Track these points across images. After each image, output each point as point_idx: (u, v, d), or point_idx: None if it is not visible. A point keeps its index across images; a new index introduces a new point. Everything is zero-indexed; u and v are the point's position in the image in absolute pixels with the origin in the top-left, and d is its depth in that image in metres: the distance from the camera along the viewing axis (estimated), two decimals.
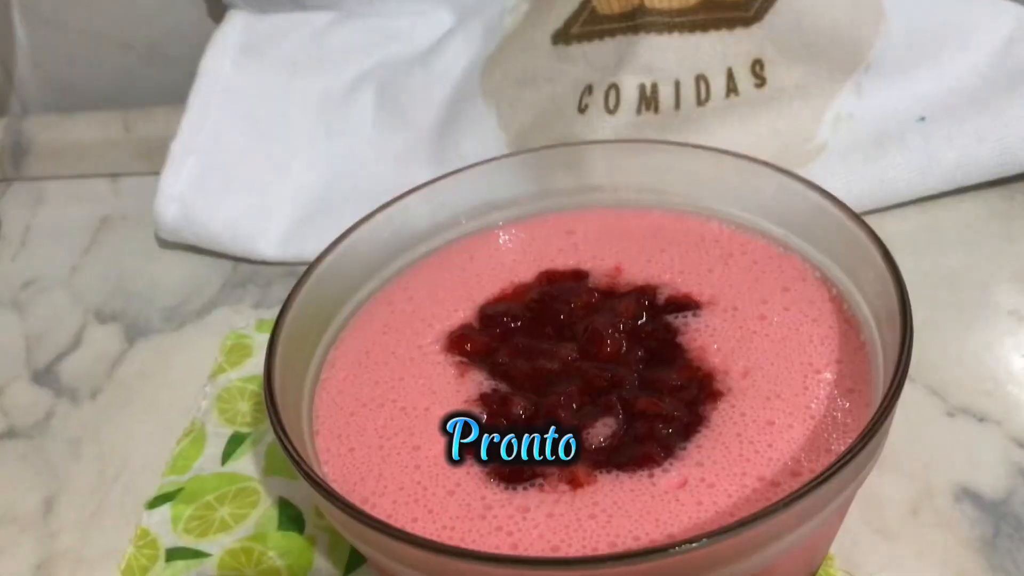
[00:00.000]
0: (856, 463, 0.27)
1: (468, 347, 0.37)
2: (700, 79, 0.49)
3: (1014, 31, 0.51)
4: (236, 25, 0.59)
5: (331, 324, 0.38)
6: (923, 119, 0.50)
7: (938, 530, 0.36)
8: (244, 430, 0.45)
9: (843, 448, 0.31)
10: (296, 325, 0.35)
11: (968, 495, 0.37)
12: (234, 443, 0.44)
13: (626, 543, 0.29)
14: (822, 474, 0.26)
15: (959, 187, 0.50)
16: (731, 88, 0.49)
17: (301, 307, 0.36)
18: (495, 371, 0.35)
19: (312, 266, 0.37)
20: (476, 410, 0.34)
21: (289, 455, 0.30)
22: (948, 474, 0.37)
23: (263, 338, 0.50)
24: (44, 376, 0.50)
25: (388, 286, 0.41)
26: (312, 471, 0.29)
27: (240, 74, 0.57)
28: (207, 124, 0.56)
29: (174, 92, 0.63)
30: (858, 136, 0.50)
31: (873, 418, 0.28)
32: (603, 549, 0.29)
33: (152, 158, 0.63)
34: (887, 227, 0.49)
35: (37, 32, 0.66)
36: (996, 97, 0.49)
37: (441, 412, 0.34)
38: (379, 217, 0.40)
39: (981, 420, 0.39)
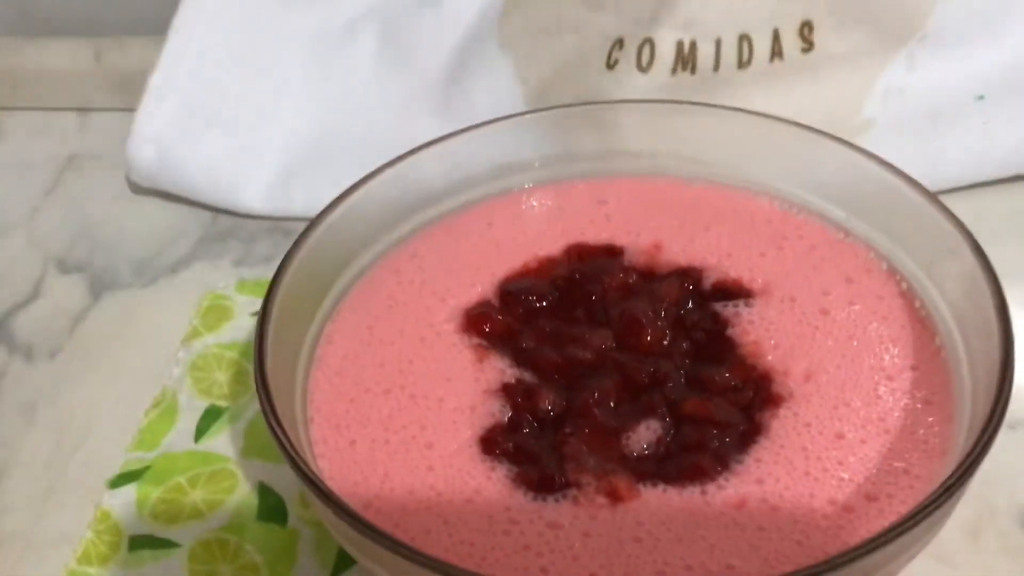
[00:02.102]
0: (957, 494, 0.23)
1: (487, 328, 0.32)
2: (744, 39, 0.44)
3: None
4: None
5: (329, 293, 0.34)
6: (982, 97, 0.45)
7: (1002, 557, 0.32)
8: (221, 404, 0.40)
9: (924, 470, 0.27)
10: (291, 292, 0.31)
11: None
12: (209, 418, 0.40)
13: (677, 573, 0.25)
14: (921, 507, 0.22)
15: (1015, 175, 0.46)
16: (776, 51, 0.45)
17: (298, 271, 0.31)
18: (519, 358, 0.31)
19: (312, 225, 0.33)
20: (498, 403, 0.29)
21: (284, 450, 0.25)
22: (1011, 494, 0.34)
23: (244, 300, 0.45)
24: None
25: (394, 252, 0.36)
26: (313, 473, 0.25)
27: (228, 3, 0.52)
28: (189, 57, 0.50)
29: (152, 21, 0.57)
30: (909, 112, 0.46)
31: (977, 441, 0.24)
32: None
33: (125, 93, 0.57)
34: None
35: None
36: None
37: (457, 403, 0.30)
38: (388, 173, 0.35)
39: None
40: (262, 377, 0.27)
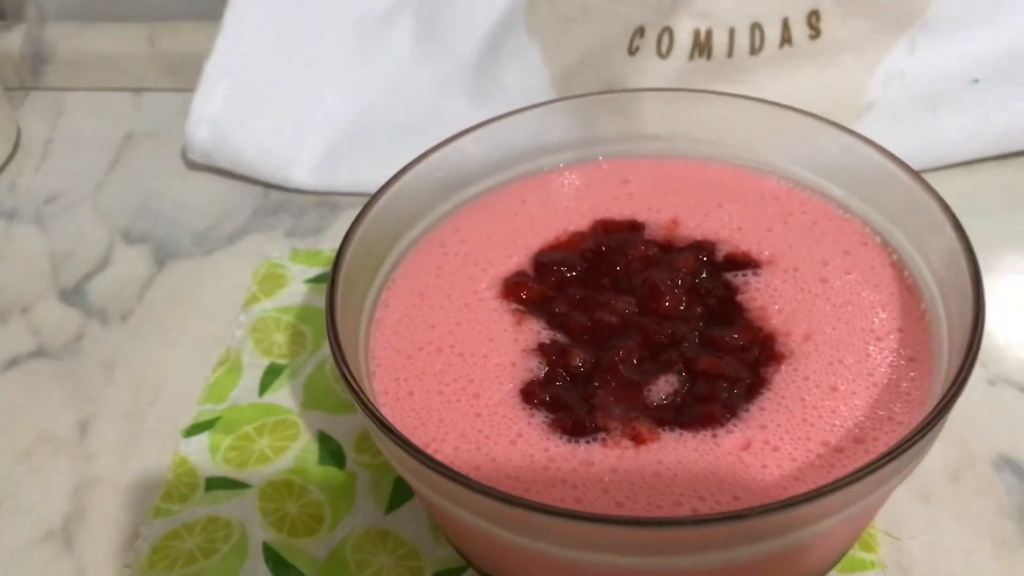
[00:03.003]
0: (928, 436, 0.27)
1: (524, 295, 0.36)
2: (755, 27, 0.48)
3: None
4: None
5: (384, 263, 0.38)
6: (977, 81, 0.49)
7: (978, 496, 0.36)
8: (281, 362, 0.44)
9: (906, 417, 0.31)
10: (353, 263, 0.35)
11: (1008, 464, 0.37)
12: (271, 374, 0.44)
13: (691, 502, 0.29)
14: (898, 446, 0.27)
15: (1007, 152, 0.49)
16: (785, 38, 0.48)
17: (358, 245, 0.35)
18: (552, 321, 0.35)
19: (369, 204, 0.37)
20: (535, 360, 0.34)
21: (358, 399, 0.29)
22: (989, 442, 0.38)
23: (298, 268, 0.49)
24: (72, 295, 0.49)
25: (439, 227, 0.40)
26: (383, 417, 0.29)
27: None
28: (241, 45, 0.54)
29: (201, 8, 0.61)
30: (909, 95, 0.50)
31: (947, 393, 0.28)
32: (667, 507, 0.29)
33: (177, 74, 0.61)
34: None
35: None
36: None
37: (499, 360, 0.34)
38: (434, 157, 0.39)
39: (1022, 390, 0.39)
40: (335, 337, 0.31)
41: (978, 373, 0.40)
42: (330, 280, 0.33)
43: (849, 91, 0.50)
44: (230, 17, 0.55)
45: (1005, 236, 0.47)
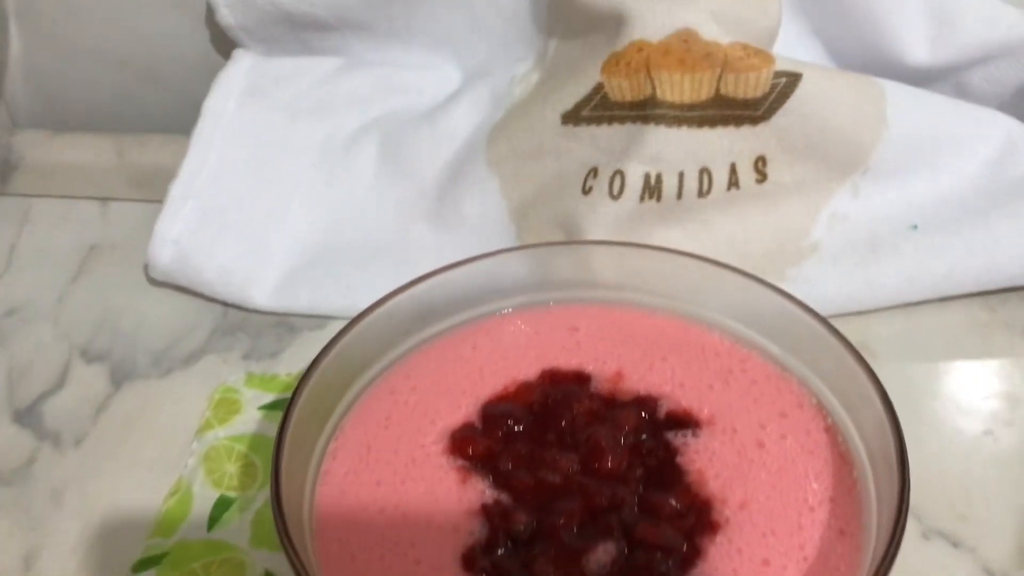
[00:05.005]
0: None
1: (471, 451, 0.37)
2: (704, 172, 0.50)
3: (1004, 144, 0.52)
4: (242, 66, 0.58)
5: (334, 411, 0.39)
6: (915, 227, 0.51)
7: None
8: (231, 494, 0.45)
9: None
10: (302, 415, 0.36)
11: None
12: (220, 507, 0.44)
13: None
14: None
15: (945, 296, 0.51)
16: (733, 182, 0.50)
17: (308, 397, 0.36)
18: (497, 480, 0.36)
19: (324, 351, 0.37)
20: (478, 522, 0.34)
21: (295, 568, 0.30)
22: None
23: (252, 394, 0.50)
24: (27, 416, 0.49)
25: (390, 372, 0.41)
26: None
27: (243, 117, 0.57)
28: (207, 167, 0.55)
29: (170, 119, 0.62)
30: (851, 237, 0.51)
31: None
32: None
33: (144, 186, 0.62)
34: (872, 330, 0.51)
35: (32, 43, 0.65)
36: (988, 210, 0.51)
37: (442, 522, 0.35)
38: (388, 304, 0.40)
39: (955, 546, 0.41)
40: (279, 504, 0.32)
41: (912, 527, 0.41)
42: (277, 439, 0.34)
43: (794, 233, 0.51)
44: (196, 140, 0.56)
45: (942, 382, 0.48)
